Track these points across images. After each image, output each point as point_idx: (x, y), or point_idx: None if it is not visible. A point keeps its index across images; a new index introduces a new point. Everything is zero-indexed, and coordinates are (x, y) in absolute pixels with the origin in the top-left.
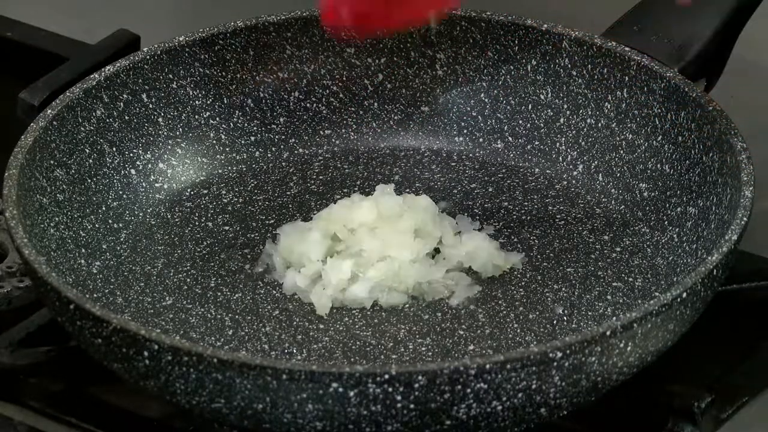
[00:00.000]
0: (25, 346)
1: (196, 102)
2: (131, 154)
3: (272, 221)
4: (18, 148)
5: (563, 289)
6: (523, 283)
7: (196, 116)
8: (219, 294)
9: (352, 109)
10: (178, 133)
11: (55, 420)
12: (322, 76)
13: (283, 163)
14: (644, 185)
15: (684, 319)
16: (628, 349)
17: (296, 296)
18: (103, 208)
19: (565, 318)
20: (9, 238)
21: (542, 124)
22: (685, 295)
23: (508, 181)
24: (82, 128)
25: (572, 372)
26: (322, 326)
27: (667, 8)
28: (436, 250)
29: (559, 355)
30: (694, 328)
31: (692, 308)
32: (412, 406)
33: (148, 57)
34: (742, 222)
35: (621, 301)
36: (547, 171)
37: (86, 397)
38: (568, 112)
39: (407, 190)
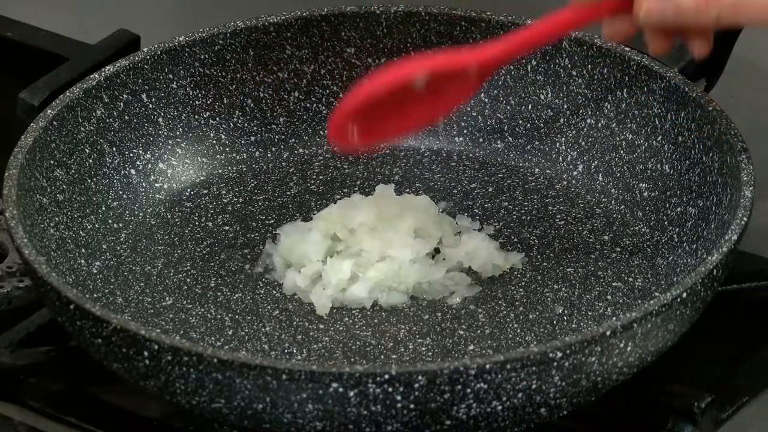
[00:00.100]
0: (25, 346)
1: (196, 102)
2: (131, 154)
3: (272, 221)
4: (18, 148)
5: (563, 289)
6: (523, 283)
7: (196, 116)
8: (219, 294)
9: None
10: (178, 133)
11: (55, 420)
12: (322, 76)
13: (283, 163)
14: (644, 185)
15: (684, 319)
16: (628, 349)
17: (296, 296)
18: (103, 208)
19: (565, 318)
20: (9, 238)
21: (542, 124)
22: (685, 295)
23: (508, 181)
24: (82, 128)
25: (572, 372)
26: (322, 326)
27: None
28: (436, 250)
29: (559, 355)
30: (694, 328)
31: (692, 308)
32: (412, 406)
33: (148, 57)
34: (742, 222)
35: (621, 301)
36: (547, 171)
37: (86, 397)
38: (568, 112)
39: (407, 190)
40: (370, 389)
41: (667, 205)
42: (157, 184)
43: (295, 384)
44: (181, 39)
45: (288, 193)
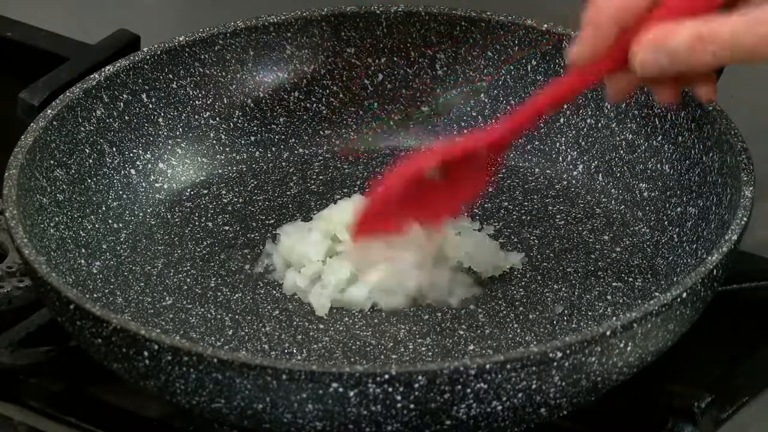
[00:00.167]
0: (25, 346)
1: (196, 102)
2: (131, 154)
3: (272, 221)
4: (18, 148)
5: (563, 289)
6: (523, 283)
7: (196, 116)
8: (219, 294)
9: (352, 109)
10: (178, 133)
11: (55, 420)
12: (322, 76)
13: (283, 163)
14: (644, 185)
15: (684, 319)
16: (628, 349)
17: (296, 296)
18: (103, 208)
19: (565, 318)
20: (9, 238)
21: (542, 124)
22: (685, 295)
23: (508, 181)
24: (82, 128)
25: (572, 372)
26: (322, 326)
27: None
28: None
29: (559, 355)
30: (694, 328)
31: (692, 308)
32: (412, 406)
33: (148, 57)
34: (742, 222)
35: (621, 301)
36: (547, 171)
37: (86, 397)
38: (568, 112)
39: None
40: (370, 389)
41: (667, 205)
42: (157, 184)
43: (295, 384)
44: (181, 39)
45: (288, 193)
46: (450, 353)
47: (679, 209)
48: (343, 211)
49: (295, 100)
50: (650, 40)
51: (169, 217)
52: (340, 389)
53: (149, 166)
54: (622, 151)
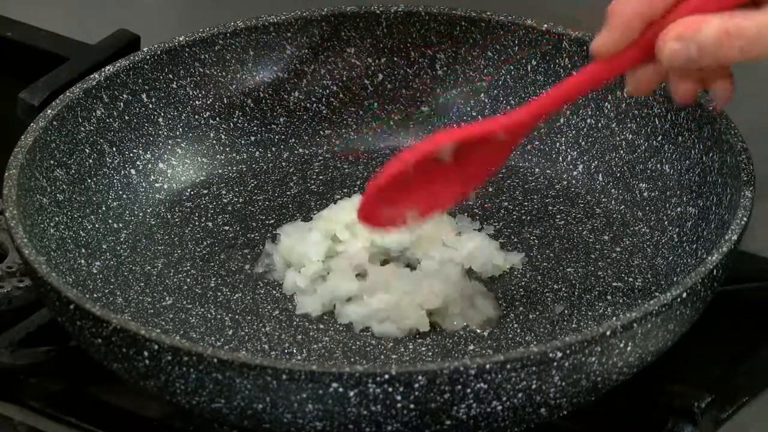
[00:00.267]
0: (25, 346)
1: (196, 102)
2: (131, 154)
3: (272, 221)
4: (18, 148)
5: (563, 289)
6: (523, 283)
7: (196, 116)
8: (219, 294)
9: (352, 109)
10: (178, 133)
11: (55, 420)
12: (322, 76)
13: (283, 163)
14: (644, 185)
15: (684, 319)
16: (628, 349)
17: (296, 296)
18: (103, 208)
19: (565, 318)
20: (9, 238)
21: (542, 124)
22: (685, 295)
23: (508, 181)
24: (82, 128)
25: (572, 372)
26: (322, 326)
27: None
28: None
29: (559, 355)
30: (694, 328)
31: (692, 308)
32: (412, 406)
33: (148, 57)
34: (742, 222)
35: (621, 301)
36: (547, 171)
37: (86, 397)
38: (568, 112)
39: None
40: (370, 389)
41: (667, 205)
42: (157, 184)
43: (295, 384)
44: (181, 39)
45: (288, 193)
46: (450, 353)
47: (679, 209)
48: (343, 211)
49: (295, 100)
50: (679, 31)
51: (169, 217)
52: (340, 389)
53: (149, 166)
54: (622, 151)
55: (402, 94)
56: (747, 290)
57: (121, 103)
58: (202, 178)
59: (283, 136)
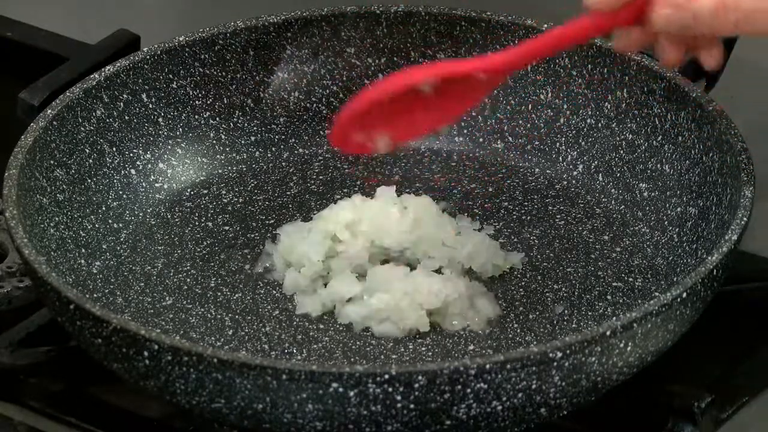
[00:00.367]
0: (25, 346)
1: (196, 102)
2: (131, 154)
3: (272, 221)
4: (18, 148)
5: (563, 289)
6: (523, 283)
7: (196, 116)
8: (219, 294)
9: None
10: (178, 133)
11: (55, 420)
12: (322, 76)
13: (283, 163)
14: (644, 185)
15: (684, 319)
16: (628, 349)
17: (296, 296)
18: (103, 208)
19: (565, 318)
20: (9, 238)
21: (542, 124)
22: (685, 295)
23: (508, 181)
24: (82, 128)
25: (572, 372)
26: (322, 326)
27: None
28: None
29: (559, 355)
30: (694, 328)
31: (692, 308)
32: (412, 406)
33: (148, 57)
34: (742, 222)
35: (621, 301)
36: (547, 171)
37: (86, 397)
38: (568, 112)
39: (407, 190)
40: (370, 389)
41: (667, 205)
42: (157, 184)
43: (295, 384)
44: (181, 39)
45: (288, 193)
46: (450, 353)
47: (679, 209)
48: (343, 211)
49: (295, 100)
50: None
51: (169, 217)
52: (340, 389)
53: (149, 166)
54: (622, 151)
55: None
56: (747, 290)
57: (121, 103)
58: (202, 178)
59: (283, 136)
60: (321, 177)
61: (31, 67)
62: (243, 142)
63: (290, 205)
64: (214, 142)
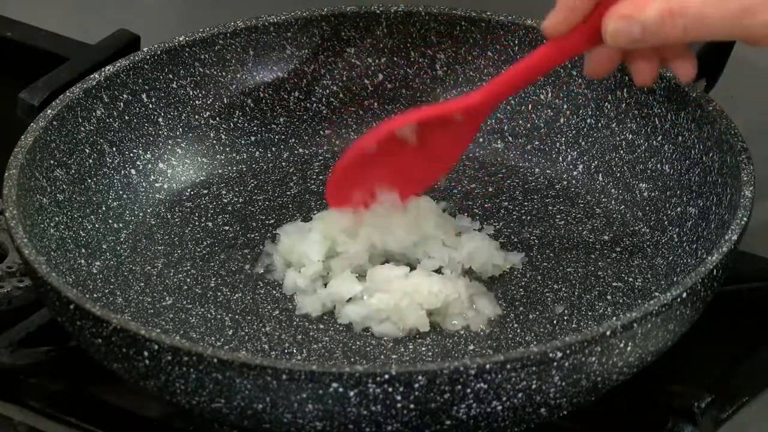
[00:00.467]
0: (25, 346)
1: (196, 102)
2: (131, 154)
3: (272, 221)
4: (18, 148)
5: (563, 289)
6: (523, 283)
7: (196, 116)
8: (219, 294)
9: (352, 109)
10: (178, 133)
11: (55, 420)
12: (322, 76)
13: (283, 163)
14: (644, 185)
15: (684, 319)
16: (628, 349)
17: (296, 296)
18: (103, 208)
19: (565, 318)
20: (9, 238)
21: (542, 124)
22: (685, 295)
23: (508, 181)
24: (82, 128)
25: (572, 372)
26: (322, 326)
27: None
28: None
29: (559, 355)
30: (694, 328)
31: (692, 308)
32: (412, 406)
33: (148, 57)
34: (742, 222)
35: (621, 301)
36: (547, 171)
37: (86, 397)
38: (568, 112)
39: None
40: (370, 389)
41: (667, 205)
42: (157, 184)
43: (295, 384)
44: (181, 39)
45: (288, 193)
46: (450, 353)
47: (679, 209)
48: (343, 212)
49: (295, 100)
50: (622, 11)
51: (169, 217)
52: (340, 389)
53: (149, 166)
54: (622, 151)
55: (402, 94)
56: (747, 290)
57: (121, 103)
58: (202, 178)
59: (283, 136)
60: (321, 177)
61: (31, 67)
62: (243, 142)
63: (290, 205)
64: (214, 142)
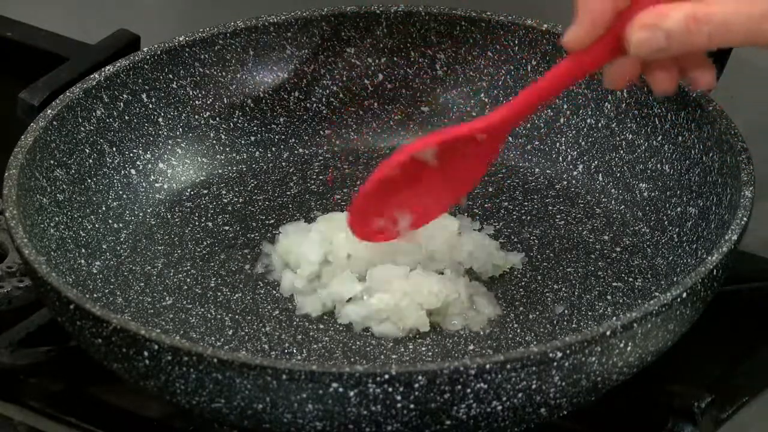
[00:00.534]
0: (25, 346)
1: (196, 102)
2: (131, 154)
3: (272, 221)
4: (18, 148)
5: (563, 289)
6: (523, 283)
7: (196, 116)
8: (219, 294)
9: (352, 109)
10: (178, 133)
11: (55, 420)
12: (322, 76)
13: (283, 163)
14: (644, 185)
15: (684, 319)
16: (628, 349)
17: (296, 296)
18: (103, 208)
19: (565, 318)
20: (9, 238)
21: (542, 124)
22: (685, 295)
23: (508, 181)
24: (82, 128)
25: (572, 372)
26: (322, 326)
27: None
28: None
29: (559, 355)
30: (694, 328)
31: (692, 308)
32: (412, 406)
33: (148, 57)
34: (742, 222)
35: (621, 301)
36: (547, 171)
37: (86, 397)
38: (568, 112)
39: None
40: (370, 389)
41: (667, 205)
42: (157, 184)
43: (295, 384)
44: (181, 39)
45: (288, 193)
46: (450, 353)
47: (679, 209)
48: (343, 212)
49: (295, 100)
50: (646, 20)
51: (169, 217)
52: (340, 389)
53: (149, 166)
54: (622, 151)
55: (402, 94)
56: (747, 290)
57: (121, 103)
58: (202, 178)
59: (283, 136)
60: (321, 177)
61: (31, 67)
62: (243, 142)
63: (290, 205)
64: (214, 142)
